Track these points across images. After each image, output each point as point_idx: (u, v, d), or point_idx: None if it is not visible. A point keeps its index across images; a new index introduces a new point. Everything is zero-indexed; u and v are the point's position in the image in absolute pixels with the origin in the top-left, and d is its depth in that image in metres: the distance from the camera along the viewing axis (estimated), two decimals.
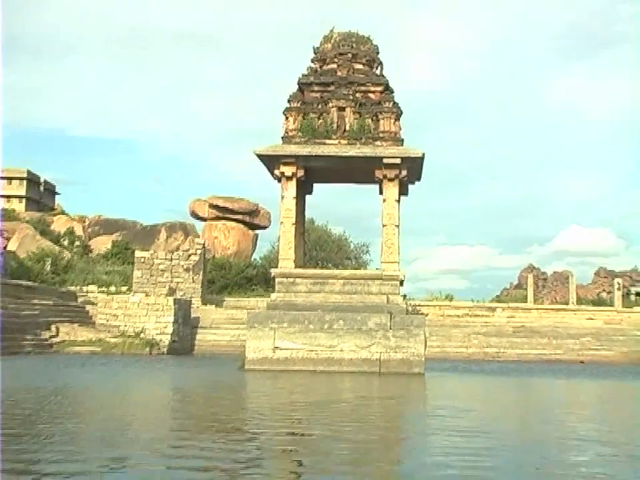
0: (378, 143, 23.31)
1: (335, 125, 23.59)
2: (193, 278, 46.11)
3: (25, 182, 77.89)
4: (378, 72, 24.77)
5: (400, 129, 23.73)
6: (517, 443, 8.13)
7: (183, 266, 46.32)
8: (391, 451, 7.49)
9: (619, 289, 50.82)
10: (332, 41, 24.96)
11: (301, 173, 23.23)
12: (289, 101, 23.87)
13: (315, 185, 26.07)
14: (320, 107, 23.84)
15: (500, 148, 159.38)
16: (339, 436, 8.10)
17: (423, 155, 23.14)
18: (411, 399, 14.99)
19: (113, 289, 45.52)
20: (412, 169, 23.60)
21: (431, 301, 48.16)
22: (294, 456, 6.90)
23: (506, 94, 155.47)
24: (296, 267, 23.46)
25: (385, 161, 22.88)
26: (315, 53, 24.90)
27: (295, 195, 23.39)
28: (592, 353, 42.90)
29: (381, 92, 24.09)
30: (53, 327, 36.25)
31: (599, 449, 7.95)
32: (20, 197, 76.88)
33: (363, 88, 24.12)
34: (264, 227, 64.37)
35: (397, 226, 23.25)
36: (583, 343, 44.13)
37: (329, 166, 23.83)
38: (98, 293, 44.48)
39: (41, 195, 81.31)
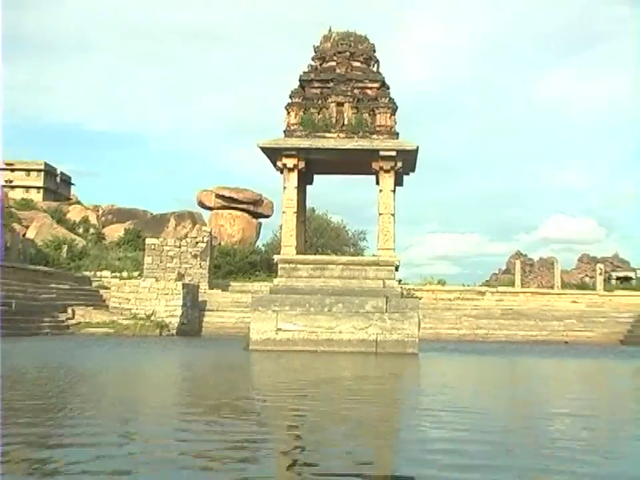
0: (375, 136, 23.27)
1: (334, 120, 23.56)
2: (200, 264, 46.12)
3: (42, 173, 77.86)
4: (374, 69, 24.73)
5: (395, 123, 23.71)
6: (505, 418, 8.12)
7: (190, 252, 46.32)
8: (385, 426, 7.47)
9: (600, 273, 50.90)
10: (331, 40, 24.91)
11: (302, 164, 23.23)
12: (290, 97, 23.84)
13: (315, 176, 26.06)
14: (320, 102, 23.79)
15: (490, 141, 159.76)
16: (338, 412, 8.09)
17: (417, 147, 23.15)
18: (405, 377, 14.99)
19: (125, 274, 45.56)
20: (407, 161, 23.59)
21: (424, 286, 48.19)
22: (295, 430, 6.88)
23: (496, 90, 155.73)
24: (297, 253, 23.47)
25: (382, 153, 22.87)
26: (315, 52, 24.86)
27: (296, 185, 23.38)
28: (575, 334, 43.00)
29: (378, 88, 24.05)
30: (69, 310, 36.31)
31: (576, 420, 7.95)
32: (38, 187, 76.84)
33: (360, 84, 24.08)
34: (267, 216, 64.31)
35: (393, 215, 23.27)
36: (566, 325, 44.20)
37: (329, 158, 23.81)
38: (111, 277, 44.55)
39: (57, 186, 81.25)
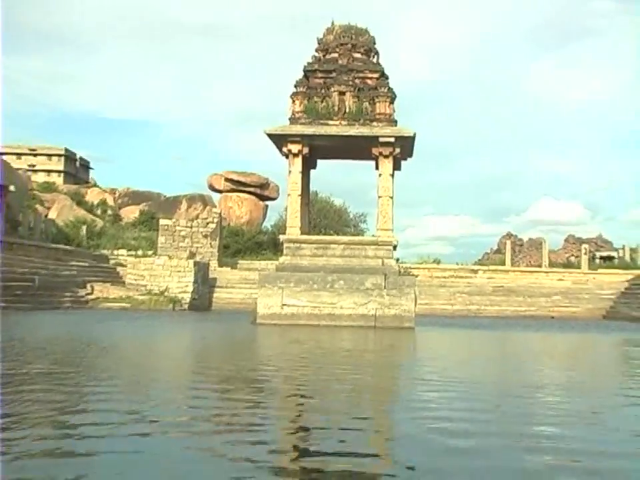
0: (374, 123, 23.23)
1: (336, 108, 23.49)
2: (210, 243, 46.17)
3: (63, 158, 77.71)
4: (375, 60, 24.63)
5: (394, 111, 23.66)
6: (494, 387, 8.13)
7: (201, 232, 46.35)
8: (381, 394, 7.49)
9: (585, 253, 50.89)
10: (334, 32, 24.80)
11: (306, 150, 23.21)
12: (295, 86, 23.78)
13: (319, 161, 26.03)
14: (323, 91, 23.72)
15: (482, 129, 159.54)
16: (339, 380, 8.11)
17: (414, 134, 23.13)
18: (401, 349, 15.02)
19: (140, 252, 45.63)
20: (404, 147, 23.56)
21: (420, 264, 48.18)
22: (298, 397, 6.89)
23: (488, 81, 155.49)
24: (301, 233, 23.48)
25: (381, 139, 22.83)
26: (319, 44, 24.76)
27: (300, 169, 23.37)
28: (561, 310, 43.08)
29: (377, 78, 23.97)
30: (89, 286, 36.41)
31: (559, 389, 7.97)
32: (59, 171, 76.74)
33: (361, 75, 23.99)
34: (273, 199, 64.22)
35: (391, 197, 23.26)
36: (553, 301, 44.28)
37: (331, 144, 23.77)
38: (127, 256, 44.60)
39: (76, 170, 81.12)
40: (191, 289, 38.11)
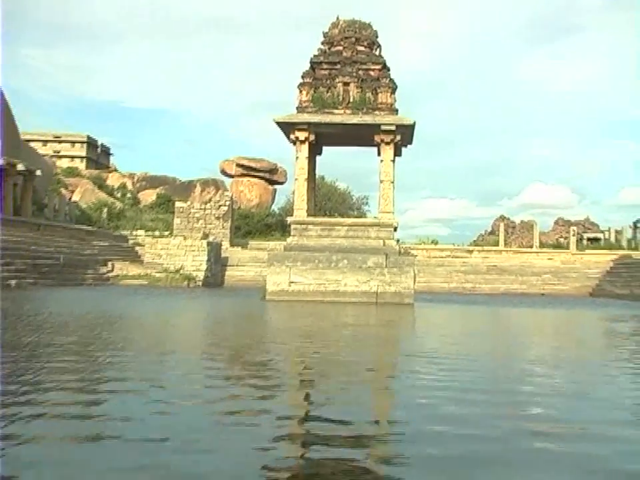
0: (377, 112, 23.14)
1: (340, 98, 23.41)
2: (222, 225, 46.20)
3: (85, 145, 77.69)
4: (377, 53, 24.50)
5: (395, 101, 23.58)
6: (486, 360, 8.14)
7: (214, 215, 46.37)
8: (381, 366, 7.51)
9: (573, 235, 50.82)
10: (338, 26, 24.66)
11: (312, 137, 23.15)
12: (302, 77, 23.70)
13: (324, 148, 25.99)
14: (328, 82, 23.61)
15: (477, 117, 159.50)
16: (343, 351, 8.13)
17: (414, 122, 23.05)
18: (401, 324, 15.04)
19: (157, 233, 45.68)
20: (405, 134, 23.48)
21: (419, 245, 48.20)
22: (303, 365, 6.91)
23: (483, 73, 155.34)
24: (308, 215, 23.47)
25: (383, 127, 22.76)
26: (324, 37, 24.63)
27: (307, 155, 23.33)
28: (551, 287, 43.07)
29: (380, 70, 23.85)
30: (109, 264, 36.50)
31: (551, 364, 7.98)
32: (81, 157, 76.75)
33: (364, 66, 23.87)
34: (281, 183, 64.13)
35: (392, 182, 23.22)
36: (543, 279, 44.26)
37: (336, 132, 23.69)
38: (145, 236, 44.66)
39: (98, 156, 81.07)
40: (204, 267, 38.20)
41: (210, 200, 49.57)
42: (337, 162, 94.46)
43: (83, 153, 77.29)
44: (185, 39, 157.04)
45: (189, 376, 5.92)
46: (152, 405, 4.52)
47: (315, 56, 24.18)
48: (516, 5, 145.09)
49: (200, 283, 37.08)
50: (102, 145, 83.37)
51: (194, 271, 37.73)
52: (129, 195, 60.92)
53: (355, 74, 23.60)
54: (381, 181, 23.23)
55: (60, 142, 76.41)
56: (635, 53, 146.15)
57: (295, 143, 23.36)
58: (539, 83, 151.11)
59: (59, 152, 74.17)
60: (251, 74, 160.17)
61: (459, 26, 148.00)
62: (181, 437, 3.70)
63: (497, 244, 51.34)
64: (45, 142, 73.53)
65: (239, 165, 61.98)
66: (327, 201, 56.76)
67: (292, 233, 23.26)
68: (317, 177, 28.55)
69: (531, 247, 51.26)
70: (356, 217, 46.66)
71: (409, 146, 25.26)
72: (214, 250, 39.72)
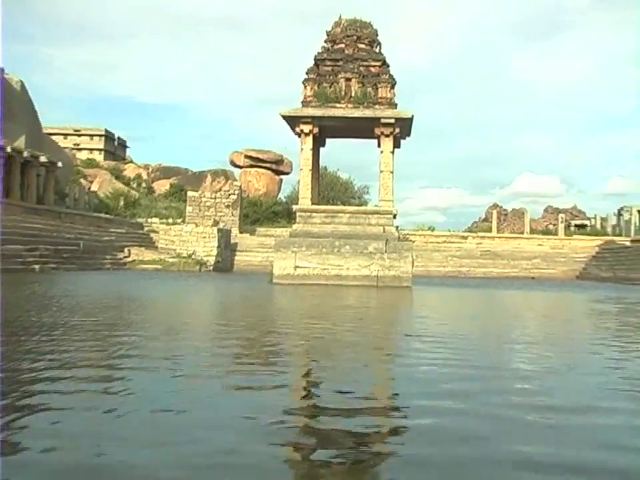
0: (377, 106, 23.08)
1: (343, 92, 23.34)
2: (232, 212, 46.19)
3: (103, 138, 77.64)
4: (377, 50, 24.41)
5: (394, 95, 23.51)
6: (481, 339, 8.13)
7: (224, 203, 46.35)
8: (381, 342, 7.50)
9: (561, 222, 50.75)
10: (341, 25, 24.55)
11: (316, 130, 23.13)
12: (306, 73, 23.64)
13: (327, 140, 25.94)
14: (331, 78, 23.54)
15: (472, 111, 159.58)
16: (346, 330, 8.12)
17: (412, 116, 23.02)
18: (400, 306, 15.04)
19: (170, 220, 45.73)
20: (403, 127, 23.45)
21: (417, 231, 48.15)
22: (308, 342, 6.91)
23: (477, 69, 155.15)
24: (312, 204, 23.47)
25: (382, 120, 22.72)
26: (327, 35, 24.55)
27: (311, 147, 23.30)
28: (540, 271, 43.08)
29: (380, 66, 23.76)
30: (126, 250, 36.56)
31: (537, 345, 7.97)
32: (99, 149, 76.71)
33: (365, 63, 23.79)
34: (287, 173, 64.02)
35: (391, 172, 23.20)
36: (534, 263, 44.25)
37: (338, 125, 23.66)
38: (159, 223, 44.72)
39: (115, 148, 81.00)
40: (215, 252, 38.25)
41: (220, 189, 49.54)
42: (340, 153, 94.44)
43: (101, 146, 77.25)
44: (196, 37, 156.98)
45: (203, 353, 5.92)
46: (170, 381, 4.52)
47: (318, 53, 24.10)
48: (509, 4, 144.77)
49: (211, 268, 37.14)
50: (118, 137, 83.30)
51: (205, 256, 37.78)
52: (144, 185, 60.90)
53: (356, 70, 23.51)
54: (381, 171, 23.19)
55: (79, 135, 76.36)
56: (621, 50, 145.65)
57: (299, 136, 23.31)
58: (530, 77, 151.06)
59: (78, 145, 74.16)
60: (258, 70, 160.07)
61: (455, 24, 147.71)
62: (196, 411, 3.71)
63: (490, 230, 51.29)
64: (66, 135, 73.47)
65: (247, 157, 61.88)
66: (330, 190, 56.70)
67: (297, 220, 23.25)
68: (320, 167, 28.52)
69: (522, 233, 51.21)
70: (357, 205, 46.65)
71: (407, 138, 25.21)
72: (224, 236, 39.75)
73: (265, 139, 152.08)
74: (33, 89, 44.27)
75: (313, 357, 6.04)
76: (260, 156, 61.95)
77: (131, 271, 32.50)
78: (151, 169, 66.43)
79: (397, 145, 24.21)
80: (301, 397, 4.32)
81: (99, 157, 73.23)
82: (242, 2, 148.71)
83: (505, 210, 64.29)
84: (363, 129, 23.53)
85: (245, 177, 61.20)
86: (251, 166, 61.97)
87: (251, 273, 33.66)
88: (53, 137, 56.75)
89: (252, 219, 50.35)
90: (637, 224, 50.16)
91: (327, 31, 24.62)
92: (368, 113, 22.93)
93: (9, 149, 32.80)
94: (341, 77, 23.47)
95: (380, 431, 3.40)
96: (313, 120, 22.96)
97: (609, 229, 54.09)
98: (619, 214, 54.26)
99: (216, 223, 42.88)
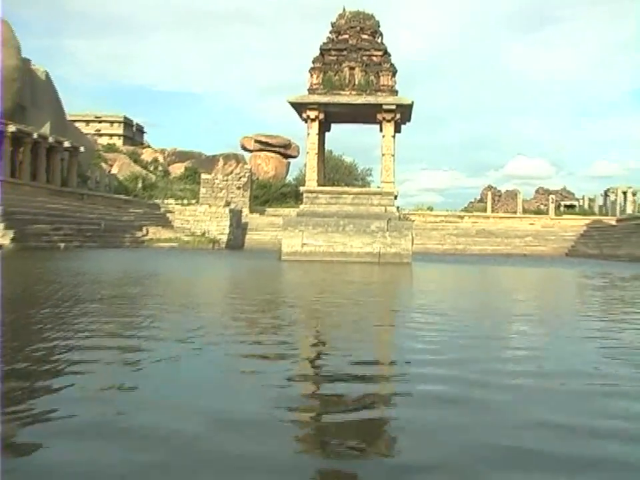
0: (379, 93, 22.93)
1: (347, 80, 23.19)
2: (242, 194, 46.09)
3: (122, 124, 77.29)
4: (379, 41, 24.20)
5: (395, 83, 23.36)
6: (477, 313, 8.09)
7: (235, 185, 46.24)
8: (384, 314, 7.48)
9: (552, 202, 50.55)
10: (345, 17, 24.35)
11: (321, 116, 23.02)
12: (313, 62, 23.48)
13: (332, 125, 25.81)
14: (336, 67, 23.37)
15: (468, 97, 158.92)
16: (350, 303, 8.09)
17: (412, 102, 22.88)
18: (401, 281, 15.01)
19: (185, 201, 45.67)
20: (404, 113, 23.32)
21: (416, 211, 48.05)
22: (315, 315, 6.88)
23: (474, 58, 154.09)
24: (318, 185, 23.41)
25: (384, 107, 22.59)
26: (332, 27, 24.36)
27: (317, 132, 23.20)
28: (532, 248, 42.99)
29: (381, 56, 23.58)
30: (144, 229, 36.60)
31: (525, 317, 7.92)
32: (119, 135, 76.42)
33: (368, 53, 23.61)
34: (294, 157, 63.82)
35: (393, 155, 23.08)
36: (526, 241, 44.15)
37: (343, 111, 23.54)
38: (175, 204, 44.69)
39: (133, 134, 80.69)
40: (227, 231, 38.28)
41: (231, 172, 49.40)
42: (344, 138, 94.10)
43: (120, 132, 76.96)
44: (210, 29, 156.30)
45: (215, 325, 5.90)
46: (187, 352, 4.50)
47: (324, 43, 23.91)
48: None
49: (223, 245, 37.19)
50: (137, 124, 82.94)
51: (218, 234, 37.81)
52: (160, 168, 60.77)
53: (359, 59, 23.31)
54: (383, 155, 23.06)
55: (100, 122, 76.06)
56: (610, 41, 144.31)
57: (306, 121, 23.19)
58: (523, 67, 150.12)
59: (99, 131, 73.90)
60: (268, 59, 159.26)
61: (454, 15, 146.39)
62: (210, 381, 3.69)
63: (484, 210, 51.14)
64: (88, 122, 73.18)
65: (256, 141, 61.67)
66: (335, 172, 56.51)
67: (304, 201, 23.19)
68: (325, 151, 28.39)
69: (515, 213, 51.05)
70: (360, 187, 46.52)
71: (407, 123, 25.06)
72: (235, 216, 39.74)
73: (274, 124, 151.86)
74: (57, 79, 44.22)
75: (318, 331, 6.01)
76: (269, 140, 61.74)
77: (149, 248, 32.55)
78: (167, 153, 66.24)
79: (397, 129, 24.05)
80: (307, 365, 4.29)
81: (118, 142, 72.98)
82: None
83: (499, 191, 63.98)
84: (365, 114, 23.39)
85: (254, 160, 61.02)
86: (261, 150, 61.78)
87: (260, 250, 33.66)
88: (76, 124, 56.59)
89: (262, 199, 50.27)
90: (622, 204, 49.95)
91: (331, 23, 24.42)
92: (371, 99, 22.76)
93: (35, 135, 32.72)
94: (345, 66, 23.28)
95: (384, 396, 3.37)
96: (318, 106, 22.83)
97: (596, 209, 53.88)
98: (606, 195, 54.01)
99: (228, 204, 42.84)
